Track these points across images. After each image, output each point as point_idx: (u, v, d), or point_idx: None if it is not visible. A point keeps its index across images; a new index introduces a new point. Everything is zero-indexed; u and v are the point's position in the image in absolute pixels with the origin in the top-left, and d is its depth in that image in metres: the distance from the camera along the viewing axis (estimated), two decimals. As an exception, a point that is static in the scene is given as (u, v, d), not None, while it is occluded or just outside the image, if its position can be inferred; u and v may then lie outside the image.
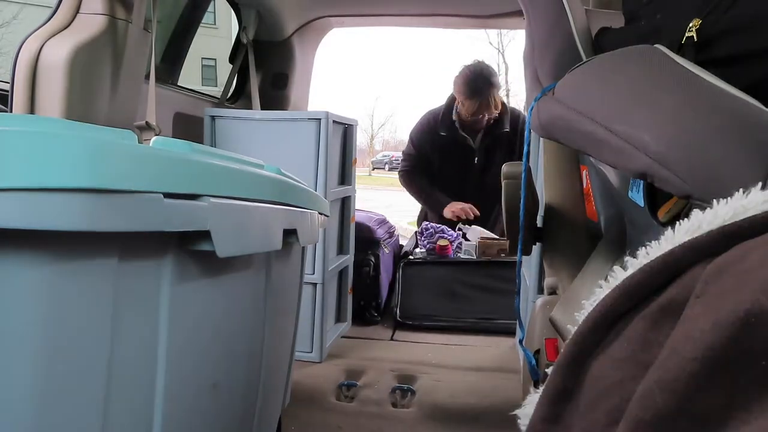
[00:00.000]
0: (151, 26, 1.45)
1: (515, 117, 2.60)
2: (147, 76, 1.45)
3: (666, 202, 0.60)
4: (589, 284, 0.76)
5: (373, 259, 2.16)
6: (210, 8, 2.21)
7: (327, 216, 1.14)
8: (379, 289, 2.15)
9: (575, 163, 0.98)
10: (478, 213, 2.56)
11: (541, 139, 1.12)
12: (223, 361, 0.75)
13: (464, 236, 2.42)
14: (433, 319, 2.06)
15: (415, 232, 2.57)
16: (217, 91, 2.31)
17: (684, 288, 0.30)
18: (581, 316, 0.35)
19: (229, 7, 2.16)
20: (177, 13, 2.00)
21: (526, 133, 0.79)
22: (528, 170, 0.87)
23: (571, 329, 0.36)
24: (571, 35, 0.75)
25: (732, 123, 0.46)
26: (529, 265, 1.51)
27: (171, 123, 1.77)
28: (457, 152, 2.61)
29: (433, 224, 2.42)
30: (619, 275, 0.34)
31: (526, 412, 0.37)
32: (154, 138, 0.60)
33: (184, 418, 0.67)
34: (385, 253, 2.25)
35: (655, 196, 0.62)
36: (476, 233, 2.42)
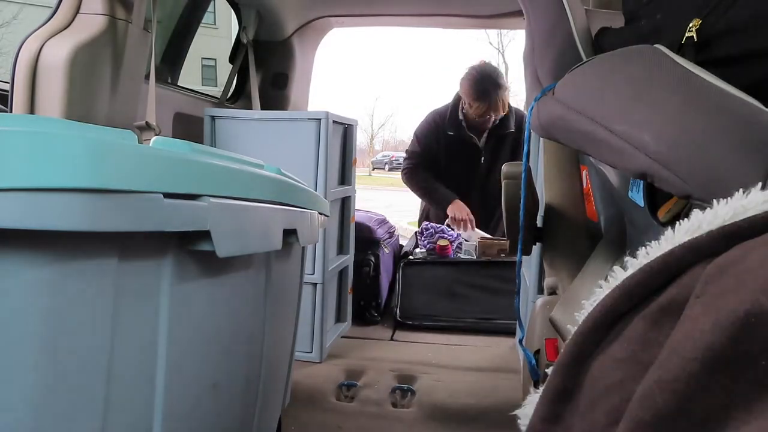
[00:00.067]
0: (151, 26, 1.45)
1: (520, 117, 2.61)
2: (147, 76, 1.45)
3: (666, 202, 0.60)
4: (589, 284, 0.76)
5: (373, 259, 2.16)
6: (210, 8, 2.21)
7: (327, 216, 1.14)
8: (379, 289, 2.15)
9: (575, 163, 0.98)
10: (475, 227, 2.55)
11: (541, 139, 1.12)
12: (223, 361, 0.75)
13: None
14: (433, 319, 2.06)
15: (415, 232, 2.57)
16: (217, 91, 2.31)
17: (684, 288, 0.30)
18: (581, 316, 0.35)
19: (229, 7, 2.16)
20: (177, 13, 2.00)
21: (526, 133, 0.79)
22: (528, 170, 0.87)
23: (571, 329, 0.36)
24: (571, 35, 0.75)
25: (732, 123, 0.46)
26: (529, 265, 1.51)
27: (171, 123, 1.77)
28: (463, 151, 2.61)
29: (433, 224, 2.42)
30: (619, 275, 0.34)
31: (526, 412, 0.37)
32: (154, 138, 0.60)
33: (184, 418, 0.67)
34: (385, 253, 2.25)
35: (655, 196, 0.62)
36: (473, 234, 2.43)
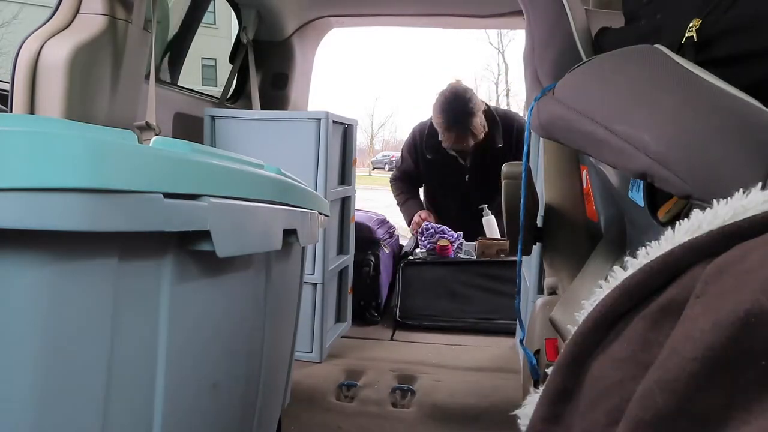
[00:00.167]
0: (151, 26, 1.45)
1: (508, 128, 2.49)
2: (147, 76, 1.45)
3: (666, 202, 0.60)
4: (589, 284, 0.76)
5: (373, 259, 2.16)
6: (210, 8, 2.21)
7: (327, 216, 1.14)
8: (379, 289, 2.15)
9: (575, 163, 0.98)
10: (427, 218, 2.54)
11: (541, 139, 1.12)
12: (223, 361, 0.75)
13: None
14: (433, 319, 2.06)
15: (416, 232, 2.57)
16: (217, 91, 2.31)
17: (684, 288, 0.30)
18: (581, 316, 0.35)
19: (229, 7, 2.16)
20: (177, 14, 2.00)
21: (526, 133, 0.79)
22: (528, 170, 0.87)
23: (571, 329, 0.36)
24: (571, 35, 0.75)
25: (732, 123, 0.46)
26: (529, 265, 1.51)
27: (171, 123, 1.77)
28: (446, 171, 2.55)
29: (434, 224, 2.42)
30: (619, 275, 0.34)
31: (526, 412, 0.37)
32: (154, 138, 0.60)
33: (184, 418, 0.67)
34: (385, 253, 2.25)
35: (655, 196, 0.62)
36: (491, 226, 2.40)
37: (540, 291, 1.40)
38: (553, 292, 1.12)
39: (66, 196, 0.42)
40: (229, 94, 2.25)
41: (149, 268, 0.57)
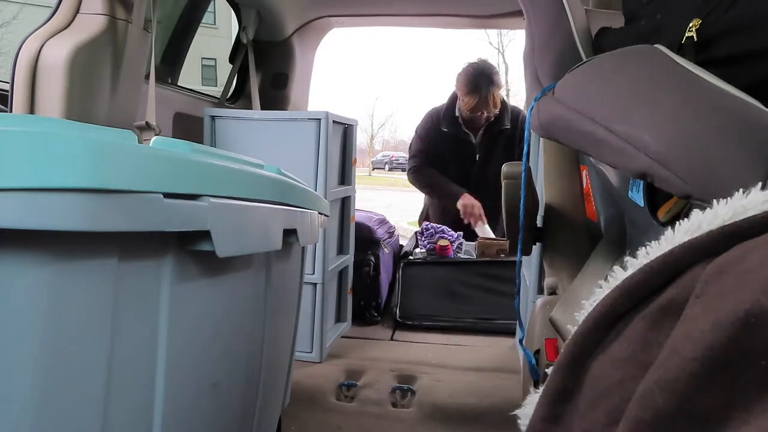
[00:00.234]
0: (151, 26, 1.45)
1: (515, 115, 2.63)
2: (147, 76, 1.45)
3: (666, 202, 0.60)
4: (589, 284, 0.76)
5: (373, 259, 2.16)
6: (210, 8, 2.21)
7: (327, 216, 1.14)
8: (379, 289, 2.15)
9: (575, 163, 0.98)
10: (484, 219, 2.56)
11: (541, 139, 1.12)
12: (223, 361, 0.75)
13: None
14: (433, 319, 2.06)
15: (415, 232, 2.57)
16: (217, 91, 2.31)
17: (684, 288, 0.30)
18: (581, 316, 0.35)
19: (229, 7, 2.16)
20: (177, 13, 2.00)
21: (526, 133, 0.79)
22: (528, 170, 0.87)
23: (571, 329, 0.36)
24: (571, 35, 0.75)
25: (732, 123, 0.46)
26: (529, 265, 1.51)
27: (171, 123, 1.77)
28: (458, 148, 2.64)
29: (434, 224, 2.42)
30: (619, 275, 0.34)
31: (526, 412, 0.37)
32: (154, 138, 0.60)
33: (184, 418, 0.67)
34: (385, 253, 2.25)
35: (655, 196, 0.62)
36: (486, 228, 2.44)
37: (540, 291, 1.40)
38: (553, 292, 1.12)
39: (66, 196, 0.42)
40: (229, 94, 2.25)
41: (149, 268, 0.57)
